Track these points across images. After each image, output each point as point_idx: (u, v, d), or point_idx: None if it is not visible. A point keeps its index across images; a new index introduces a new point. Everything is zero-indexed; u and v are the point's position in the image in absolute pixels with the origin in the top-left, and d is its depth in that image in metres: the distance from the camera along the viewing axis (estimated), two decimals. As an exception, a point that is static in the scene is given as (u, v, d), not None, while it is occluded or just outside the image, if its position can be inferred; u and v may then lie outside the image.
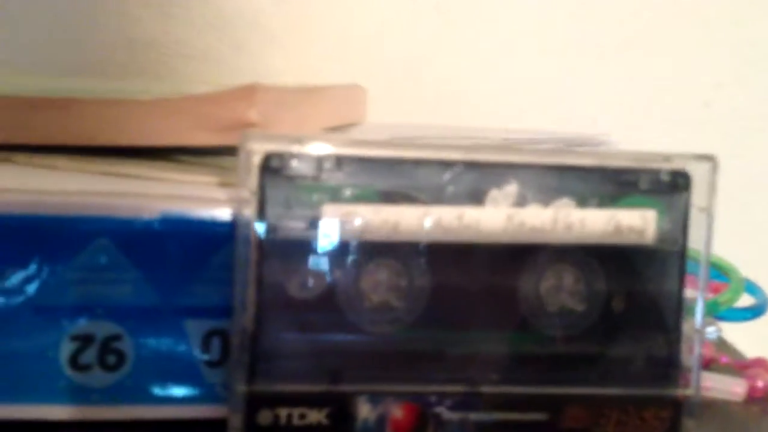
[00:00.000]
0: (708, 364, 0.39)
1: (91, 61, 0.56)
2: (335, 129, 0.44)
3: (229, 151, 0.29)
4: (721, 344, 0.43)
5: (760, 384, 0.36)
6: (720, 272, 0.45)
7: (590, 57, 0.58)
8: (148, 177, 0.31)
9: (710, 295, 0.43)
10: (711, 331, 0.43)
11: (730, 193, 0.58)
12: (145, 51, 0.56)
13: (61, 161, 0.34)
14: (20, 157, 0.34)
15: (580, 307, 0.29)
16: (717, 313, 0.42)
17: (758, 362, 0.38)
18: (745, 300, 0.44)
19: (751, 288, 0.45)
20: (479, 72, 0.58)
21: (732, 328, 0.44)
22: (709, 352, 0.40)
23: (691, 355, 0.29)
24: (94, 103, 0.35)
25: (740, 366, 0.38)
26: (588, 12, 0.58)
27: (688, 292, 0.30)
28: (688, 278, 0.30)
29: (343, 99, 0.49)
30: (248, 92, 0.34)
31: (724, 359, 0.40)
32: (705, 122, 0.58)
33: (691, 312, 0.29)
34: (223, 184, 0.30)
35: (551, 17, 0.57)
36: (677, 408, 0.29)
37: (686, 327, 0.29)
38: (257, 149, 0.26)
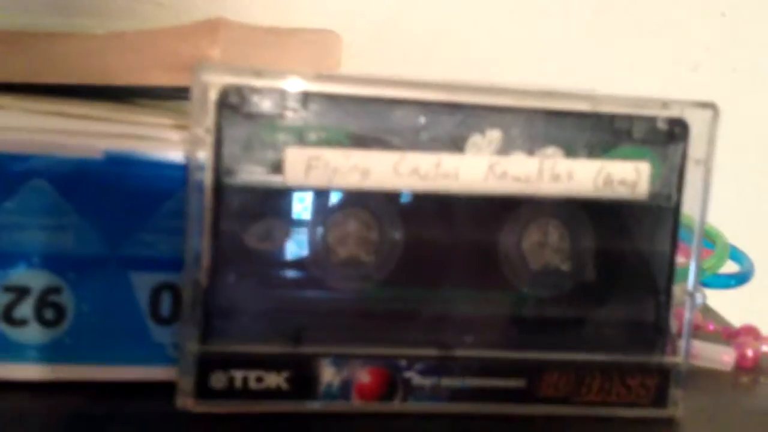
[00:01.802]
0: (694, 331, 0.38)
1: (56, 3, 0.53)
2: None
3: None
4: (706, 311, 0.41)
5: (750, 353, 0.34)
6: (705, 238, 0.43)
7: (578, 19, 0.56)
8: (95, 117, 0.28)
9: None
10: (698, 296, 0.42)
11: (720, 159, 0.58)
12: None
13: (4, 100, 0.31)
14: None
15: (564, 266, 0.27)
16: (701, 279, 0.41)
17: (748, 330, 0.37)
18: (731, 267, 0.43)
19: (736, 255, 0.44)
20: (464, 26, 0.56)
21: (716, 295, 0.42)
22: (696, 318, 0.38)
23: (681, 320, 0.27)
24: (43, 37, 0.32)
25: (728, 334, 0.37)
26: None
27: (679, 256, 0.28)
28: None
29: (316, 44, 0.46)
30: (211, 27, 0.31)
31: (711, 326, 0.38)
32: (694, 86, 0.57)
33: (683, 275, 0.27)
34: (179, 126, 0.27)
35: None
36: (664, 376, 0.27)
37: (677, 291, 0.27)
38: (213, 82, 0.24)
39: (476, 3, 0.55)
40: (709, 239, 0.44)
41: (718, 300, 0.43)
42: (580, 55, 0.56)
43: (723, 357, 0.33)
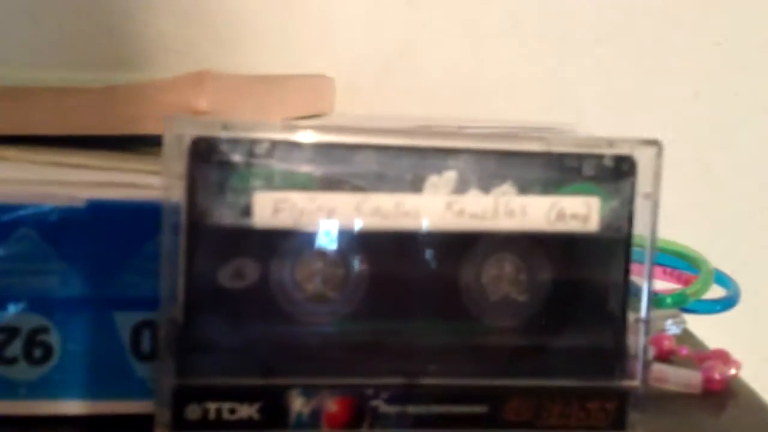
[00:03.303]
0: (667, 357, 0.39)
1: (70, 53, 0.55)
2: (297, 120, 0.43)
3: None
4: (686, 336, 0.42)
5: (717, 376, 0.35)
6: (690, 263, 0.44)
7: (575, 48, 0.57)
8: (82, 165, 0.30)
9: (680, 287, 0.43)
10: (671, 323, 0.43)
11: (713, 185, 0.59)
12: (126, 43, 0.55)
13: (10, 152, 0.33)
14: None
15: (522, 297, 0.28)
16: (685, 304, 0.42)
17: (718, 354, 0.38)
18: (717, 292, 0.44)
19: (722, 279, 0.44)
20: (467, 64, 0.57)
21: (702, 320, 0.43)
22: (670, 344, 0.39)
23: (637, 345, 0.28)
24: (41, 92, 0.35)
25: (700, 358, 0.38)
26: (573, 1, 0.57)
27: (639, 282, 0.29)
28: (640, 268, 0.29)
29: (307, 89, 0.48)
30: (198, 79, 0.33)
31: (684, 351, 0.39)
32: (694, 113, 0.58)
33: (640, 301, 0.28)
34: (156, 172, 0.29)
35: (533, 7, 0.57)
36: (622, 400, 0.28)
37: (633, 317, 0.28)
38: (185, 133, 0.25)
39: (479, 40, 0.56)
40: (694, 264, 0.45)
41: (704, 325, 0.44)
42: (582, 86, 0.57)
43: (690, 380, 0.34)
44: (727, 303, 0.44)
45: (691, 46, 0.57)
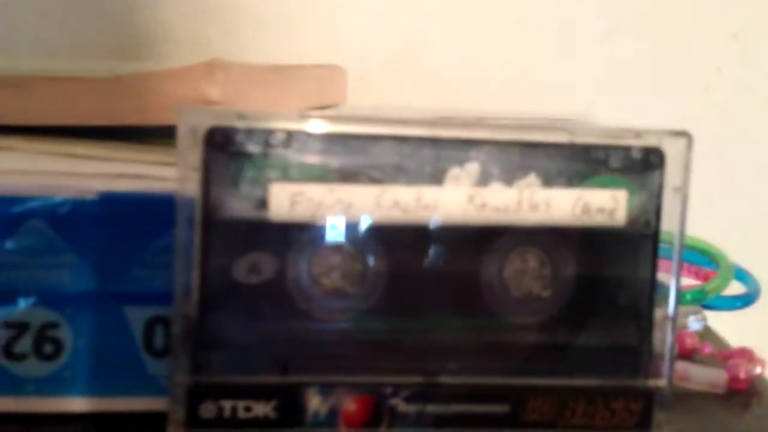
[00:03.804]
0: (690, 354, 0.38)
1: (76, 43, 0.54)
2: (311, 110, 0.43)
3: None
4: (707, 334, 0.41)
5: (742, 375, 0.34)
6: (709, 259, 0.43)
7: (585, 40, 0.56)
8: (91, 156, 0.30)
9: (699, 283, 0.42)
10: (693, 320, 0.42)
11: (730, 179, 0.58)
12: (133, 34, 0.54)
13: (17, 142, 0.32)
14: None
15: (546, 293, 0.27)
16: (705, 301, 0.41)
17: (741, 352, 0.37)
18: (736, 288, 0.43)
19: (742, 275, 0.44)
20: (475, 56, 0.56)
21: (721, 317, 0.42)
22: (692, 341, 0.38)
23: (663, 344, 0.27)
24: (47, 81, 0.34)
25: (724, 356, 0.37)
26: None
27: (665, 278, 0.28)
28: (665, 264, 0.28)
29: (319, 79, 0.47)
30: (208, 68, 0.32)
31: (708, 349, 0.38)
32: (705, 107, 0.57)
33: (665, 298, 0.28)
34: (169, 163, 0.28)
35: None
36: (648, 399, 0.27)
37: (659, 314, 0.28)
38: (199, 123, 0.25)
39: (486, 32, 0.56)
40: (713, 260, 0.44)
41: (725, 321, 0.44)
42: (591, 78, 0.57)
43: (714, 380, 0.34)
44: (747, 299, 0.44)
45: (701, 40, 0.56)
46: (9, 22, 0.54)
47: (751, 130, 0.58)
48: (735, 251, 0.44)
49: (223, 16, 0.55)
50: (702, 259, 0.44)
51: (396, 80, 0.56)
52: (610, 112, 0.55)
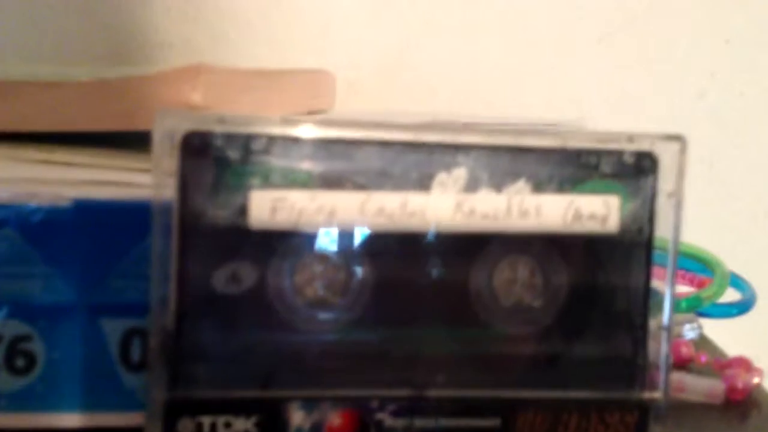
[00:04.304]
0: (686, 364, 0.37)
1: (64, 49, 0.54)
2: (297, 116, 0.42)
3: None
4: (703, 342, 0.41)
5: (739, 385, 0.34)
6: (704, 266, 0.43)
7: (578, 45, 0.56)
8: (69, 162, 0.29)
9: (693, 290, 0.42)
10: (689, 328, 0.41)
11: (724, 185, 0.58)
12: (123, 39, 0.54)
13: (-2, 149, 0.31)
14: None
15: (536, 303, 0.27)
16: (700, 308, 0.40)
17: (739, 361, 0.36)
18: (732, 295, 0.42)
19: (737, 282, 0.43)
20: (468, 60, 0.56)
21: (716, 324, 0.42)
22: (688, 350, 0.38)
23: (658, 354, 0.27)
24: (28, 86, 0.33)
25: (720, 366, 0.36)
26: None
27: (659, 285, 0.27)
28: (660, 271, 0.27)
29: (307, 84, 0.47)
30: (192, 72, 0.31)
31: (704, 358, 0.37)
32: (699, 113, 0.57)
33: (659, 307, 0.27)
34: (147, 169, 0.27)
35: (536, 4, 0.56)
36: (644, 412, 0.26)
37: (654, 324, 0.27)
38: (176, 127, 0.24)
39: (480, 37, 0.55)
40: (708, 266, 0.43)
41: (720, 329, 0.43)
42: (586, 85, 0.56)
43: (712, 390, 0.33)
44: (743, 306, 0.43)
45: (696, 45, 0.56)
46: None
47: (744, 136, 0.58)
48: (730, 258, 0.43)
49: (213, 22, 0.55)
50: (697, 266, 0.44)
51: (387, 87, 0.56)
52: (604, 118, 0.55)
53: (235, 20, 0.55)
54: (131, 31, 0.55)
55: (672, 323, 0.26)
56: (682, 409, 0.32)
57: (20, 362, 0.25)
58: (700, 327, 0.41)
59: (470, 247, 0.26)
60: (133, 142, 0.32)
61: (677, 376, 0.33)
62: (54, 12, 0.53)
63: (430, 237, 0.25)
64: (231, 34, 0.55)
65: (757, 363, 0.36)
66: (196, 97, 0.31)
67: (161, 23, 0.54)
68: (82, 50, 0.54)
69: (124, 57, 0.54)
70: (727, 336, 0.42)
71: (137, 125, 0.31)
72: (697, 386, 0.33)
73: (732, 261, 0.43)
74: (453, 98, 0.56)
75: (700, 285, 0.43)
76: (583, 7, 0.56)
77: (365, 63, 0.55)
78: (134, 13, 0.54)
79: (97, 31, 0.54)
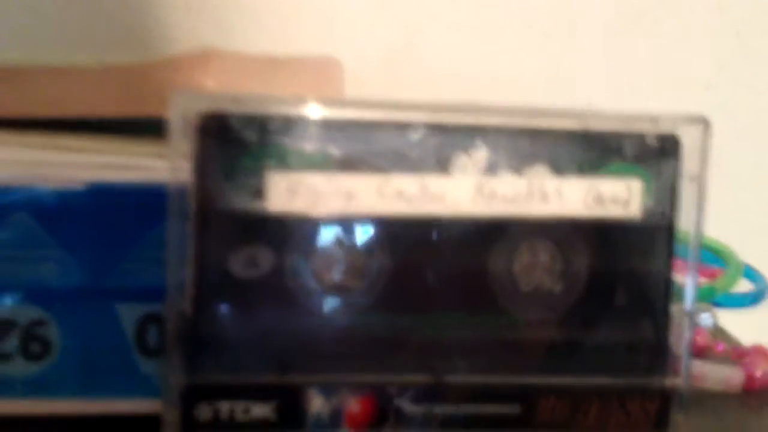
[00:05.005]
0: (703, 352, 0.37)
1: (69, 38, 0.53)
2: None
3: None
4: (717, 332, 0.40)
5: (758, 374, 0.33)
6: (717, 256, 0.43)
7: (585, 38, 0.56)
8: (78, 148, 0.28)
9: (707, 281, 0.41)
10: (705, 317, 0.41)
11: (733, 177, 0.57)
12: (127, 29, 0.54)
13: (3, 136, 0.31)
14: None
15: (557, 288, 0.26)
16: (713, 299, 0.40)
17: (757, 350, 0.36)
18: (745, 286, 0.42)
19: (750, 273, 0.43)
20: (475, 51, 0.56)
21: (729, 315, 0.41)
22: (704, 339, 0.37)
23: (680, 341, 0.26)
24: (37, 73, 0.33)
25: (738, 354, 0.36)
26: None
27: (676, 276, 0.27)
28: (677, 262, 0.27)
29: (315, 71, 0.46)
30: (203, 57, 0.31)
31: (721, 347, 0.37)
32: (707, 105, 0.57)
33: (681, 294, 0.26)
34: (161, 154, 0.27)
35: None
36: (665, 399, 0.26)
37: (675, 310, 0.26)
38: (192, 109, 0.23)
39: (486, 27, 0.55)
40: (721, 257, 0.43)
41: (732, 320, 0.43)
42: (593, 75, 0.56)
43: (731, 378, 0.32)
44: (756, 297, 0.43)
45: (703, 38, 0.56)
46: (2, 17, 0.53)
47: (754, 128, 0.58)
48: (742, 249, 0.43)
49: (218, 13, 0.54)
50: (710, 256, 0.43)
51: (393, 78, 0.55)
52: (612, 110, 0.55)
53: (240, 10, 0.55)
54: (136, 21, 0.54)
55: (695, 308, 0.26)
56: (700, 397, 0.32)
57: (35, 348, 0.25)
58: (714, 316, 0.41)
59: (490, 231, 0.25)
60: (142, 129, 0.32)
61: (696, 365, 0.33)
62: (58, 2, 0.53)
63: (449, 221, 0.25)
64: (236, 25, 0.55)
65: (767, 352, 0.36)
66: (208, 82, 0.31)
67: (166, 12, 0.54)
68: (86, 39, 0.53)
69: (129, 47, 0.54)
70: (740, 326, 0.42)
71: (147, 111, 0.31)
72: (716, 375, 0.32)
73: (746, 252, 0.43)
74: (459, 90, 0.55)
75: (713, 276, 0.42)
76: (591, 0, 0.55)
77: (372, 54, 0.55)
78: (139, 2, 0.54)
79: (102, 22, 0.53)
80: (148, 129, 0.32)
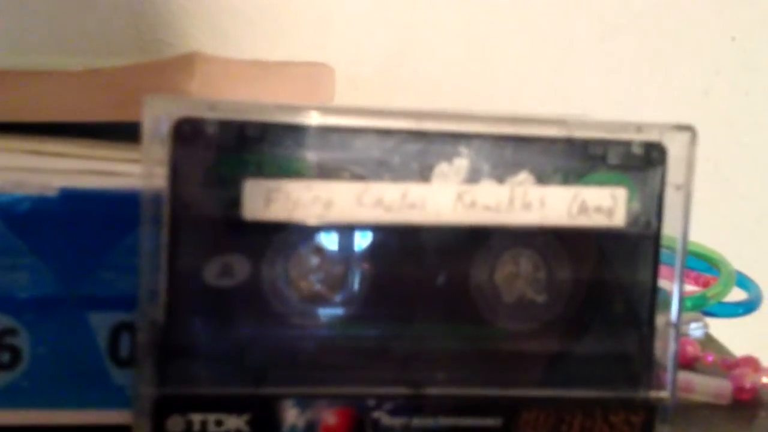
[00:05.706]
0: (692, 364, 0.36)
1: (58, 41, 0.53)
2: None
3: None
4: (708, 342, 0.40)
5: (747, 385, 0.33)
6: (709, 264, 0.42)
7: (581, 43, 0.56)
8: (59, 153, 0.28)
9: (699, 289, 0.41)
10: (695, 327, 0.40)
11: (730, 183, 0.57)
12: (119, 33, 0.53)
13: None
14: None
15: (540, 298, 0.26)
16: (705, 307, 0.40)
17: (747, 361, 0.35)
18: (738, 294, 0.42)
19: (743, 281, 0.42)
20: (470, 58, 0.56)
21: (722, 324, 0.41)
22: (694, 350, 0.37)
23: (665, 353, 0.26)
24: (16, 76, 0.32)
25: (727, 365, 0.35)
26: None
27: (664, 284, 0.26)
28: (664, 270, 0.26)
29: (305, 77, 0.46)
30: (187, 61, 0.31)
31: (710, 358, 0.37)
32: (704, 111, 0.56)
33: (666, 305, 0.26)
34: (137, 159, 0.26)
35: (539, 2, 0.55)
36: (650, 412, 0.26)
37: (661, 321, 0.26)
38: (167, 114, 0.23)
39: (482, 35, 0.55)
40: (714, 265, 0.43)
41: (726, 329, 0.42)
42: (589, 82, 0.56)
43: (719, 390, 0.32)
44: (749, 306, 0.42)
45: (699, 43, 0.55)
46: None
47: (750, 134, 0.57)
48: (735, 257, 0.43)
49: (212, 17, 0.54)
50: (702, 264, 0.43)
51: (388, 83, 0.55)
52: (608, 116, 0.54)
53: (234, 15, 0.54)
54: (128, 25, 0.54)
55: (680, 320, 0.26)
56: (689, 409, 0.32)
57: (5, 357, 0.25)
58: (706, 326, 0.41)
59: (471, 241, 0.25)
60: (125, 133, 0.32)
61: (684, 376, 0.33)
62: (48, 4, 0.53)
63: (430, 229, 0.25)
64: (230, 30, 0.54)
65: (764, 363, 0.35)
66: (191, 86, 0.30)
67: (159, 17, 0.54)
68: (76, 42, 0.53)
69: (120, 51, 0.54)
70: (732, 336, 0.42)
71: (130, 116, 0.30)
72: (704, 386, 0.32)
73: (738, 260, 0.42)
74: (455, 95, 0.55)
75: (706, 284, 0.42)
76: (587, 4, 0.55)
77: (367, 59, 0.55)
78: (131, 6, 0.54)
79: (94, 25, 0.53)
80: (130, 134, 0.32)
